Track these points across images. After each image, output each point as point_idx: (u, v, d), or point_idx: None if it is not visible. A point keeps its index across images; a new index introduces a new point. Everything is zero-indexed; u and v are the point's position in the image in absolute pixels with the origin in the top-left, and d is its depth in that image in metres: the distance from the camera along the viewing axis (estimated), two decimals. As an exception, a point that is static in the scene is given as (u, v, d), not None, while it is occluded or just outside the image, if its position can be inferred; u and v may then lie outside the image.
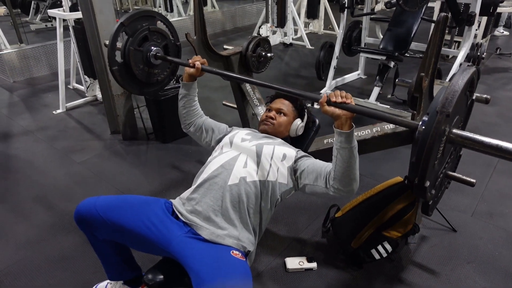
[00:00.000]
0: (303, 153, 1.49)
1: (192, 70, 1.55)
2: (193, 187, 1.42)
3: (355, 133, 1.29)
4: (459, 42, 4.56)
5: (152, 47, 1.77)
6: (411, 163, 1.13)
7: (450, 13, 3.23)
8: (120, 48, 1.71)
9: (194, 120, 1.64)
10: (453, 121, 1.12)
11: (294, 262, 1.81)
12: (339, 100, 1.21)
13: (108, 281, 1.62)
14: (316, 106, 3.64)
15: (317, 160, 1.43)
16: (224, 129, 1.65)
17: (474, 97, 1.34)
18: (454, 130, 1.10)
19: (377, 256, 1.74)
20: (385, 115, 1.19)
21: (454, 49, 4.53)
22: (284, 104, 1.65)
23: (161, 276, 1.26)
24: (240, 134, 1.55)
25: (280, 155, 1.43)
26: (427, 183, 1.10)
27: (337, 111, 1.22)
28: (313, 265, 1.80)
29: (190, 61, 1.56)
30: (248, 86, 2.19)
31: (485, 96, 1.45)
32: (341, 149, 1.24)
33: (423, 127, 1.11)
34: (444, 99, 1.03)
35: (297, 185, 1.43)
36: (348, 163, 1.24)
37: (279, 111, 1.63)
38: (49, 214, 2.21)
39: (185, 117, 1.64)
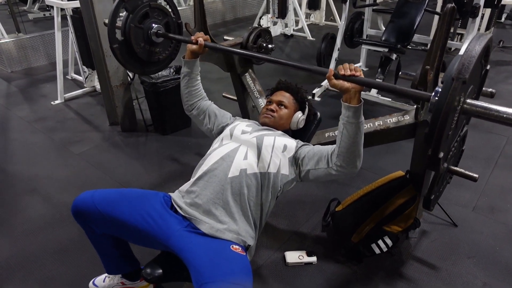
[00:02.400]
0: (303, 143, 1.47)
1: (194, 46, 1.52)
2: (192, 179, 1.40)
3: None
4: (462, 35, 4.51)
5: (153, 24, 1.72)
6: (424, 134, 1.09)
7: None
8: (120, 26, 1.67)
9: (196, 101, 1.61)
10: (467, 90, 1.07)
11: (293, 256, 1.80)
12: (348, 73, 1.18)
13: (106, 274, 1.61)
14: (317, 98, 3.61)
15: (317, 145, 1.42)
16: (228, 117, 1.63)
17: (488, 67, 1.30)
18: (469, 100, 1.06)
19: (377, 251, 1.73)
20: (396, 87, 1.15)
21: (457, 41, 4.47)
22: (285, 97, 1.62)
23: (160, 271, 1.24)
24: (241, 126, 1.53)
25: (281, 146, 1.41)
26: (441, 154, 1.05)
27: (346, 84, 1.19)
28: (313, 259, 1.79)
29: (192, 37, 1.53)
30: (248, 78, 2.16)
31: (490, 90, 1.41)
32: (348, 124, 1.22)
33: (436, 98, 1.05)
34: (461, 65, 0.97)
35: (300, 173, 1.41)
36: (354, 138, 1.22)
37: (280, 104, 1.60)
38: (46, 206, 2.20)
39: (188, 97, 1.60)
